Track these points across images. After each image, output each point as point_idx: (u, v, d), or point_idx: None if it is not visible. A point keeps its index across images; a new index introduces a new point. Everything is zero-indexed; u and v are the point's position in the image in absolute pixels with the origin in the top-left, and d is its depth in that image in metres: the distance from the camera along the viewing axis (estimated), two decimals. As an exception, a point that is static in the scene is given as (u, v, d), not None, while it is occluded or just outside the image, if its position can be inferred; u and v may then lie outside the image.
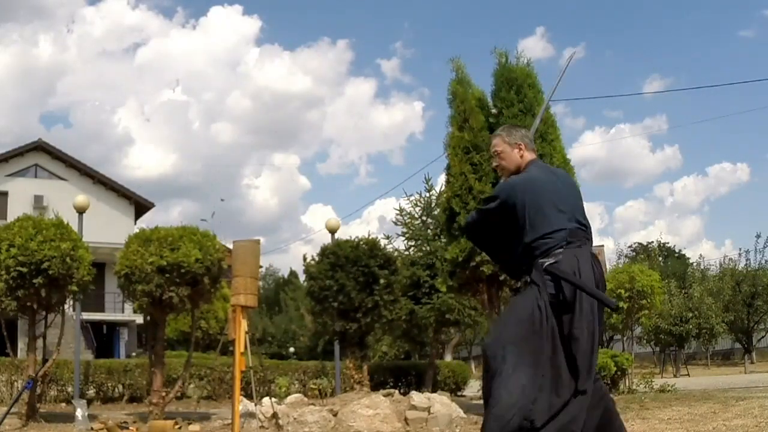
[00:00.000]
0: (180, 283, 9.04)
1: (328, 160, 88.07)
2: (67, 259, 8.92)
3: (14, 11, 59.90)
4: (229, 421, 6.82)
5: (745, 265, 34.29)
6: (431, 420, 7.91)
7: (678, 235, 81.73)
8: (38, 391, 9.98)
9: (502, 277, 9.54)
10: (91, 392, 14.19)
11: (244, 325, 6.01)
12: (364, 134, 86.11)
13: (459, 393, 17.90)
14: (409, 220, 20.69)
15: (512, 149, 3.58)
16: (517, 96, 10.04)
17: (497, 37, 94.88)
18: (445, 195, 10.90)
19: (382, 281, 11.39)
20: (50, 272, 8.76)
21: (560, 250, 3.24)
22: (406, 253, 19.78)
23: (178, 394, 12.07)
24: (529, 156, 3.58)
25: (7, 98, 59.32)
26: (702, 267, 38.41)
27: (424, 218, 20.53)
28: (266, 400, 8.38)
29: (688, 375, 25.75)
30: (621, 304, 13.66)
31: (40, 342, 9.56)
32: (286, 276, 56.42)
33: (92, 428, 8.67)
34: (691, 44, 76.26)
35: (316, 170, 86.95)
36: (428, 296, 16.79)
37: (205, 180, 75.91)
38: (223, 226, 78.54)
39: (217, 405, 13.98)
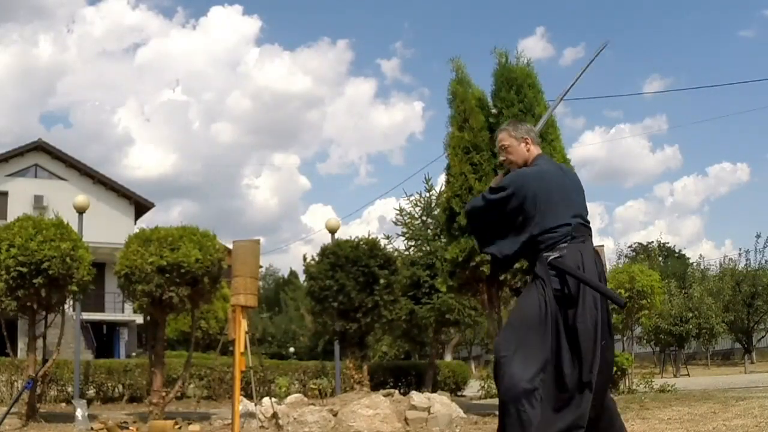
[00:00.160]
0: (180, 283, 9.04)
1: (328, 160, 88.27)
2: (67, 259, 8.92)
3: (14, 11, 60.01)
4: (229, 421, 6.81)
5: (745, 265, 34.37)
6: (431, 420, 7.90)
7: (678, 235, 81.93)
8: (38, 391, 9.98)
9: (502, 277, 9.54)
10: (91, 392, 14.20)
11: (244, 325, 6.01)
12: (364, 134, 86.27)
13: (459, 393, 17.92)
14: (409, 220, 20.70)
15: (519, 143, 3.58)
16: (517, 96, 10.02)
17: (497, 37, 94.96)
18: (445, 195, 10.88)
19: (382, 281, 11.40)
20: (50, 272, 8.75)
21: (565, 244, 3.25)
22: (406, 253, 19.79)
23: (178, 394, 12.06)
24: (535, 150, 3.58)
25: (7, 98, 59.44)
26: (702, 267, 38.49)
27: (424, 218, 20.54)
28: (266, 400, 8.37)
29: (688, 375, 25.71)
30: (621, 304, 13.62)
31: (40, 342, 9.55)
32: (286, 276, 56.51)
33: (92, 428, 8.66)
34: (691, 44, 76.43)
35: (316, 170, 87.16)
36: (428, 296, 16.79)
37: (205, 180, 76.09)
38: (223, 226, 78.48)
39: (217, 405, 13.99)
